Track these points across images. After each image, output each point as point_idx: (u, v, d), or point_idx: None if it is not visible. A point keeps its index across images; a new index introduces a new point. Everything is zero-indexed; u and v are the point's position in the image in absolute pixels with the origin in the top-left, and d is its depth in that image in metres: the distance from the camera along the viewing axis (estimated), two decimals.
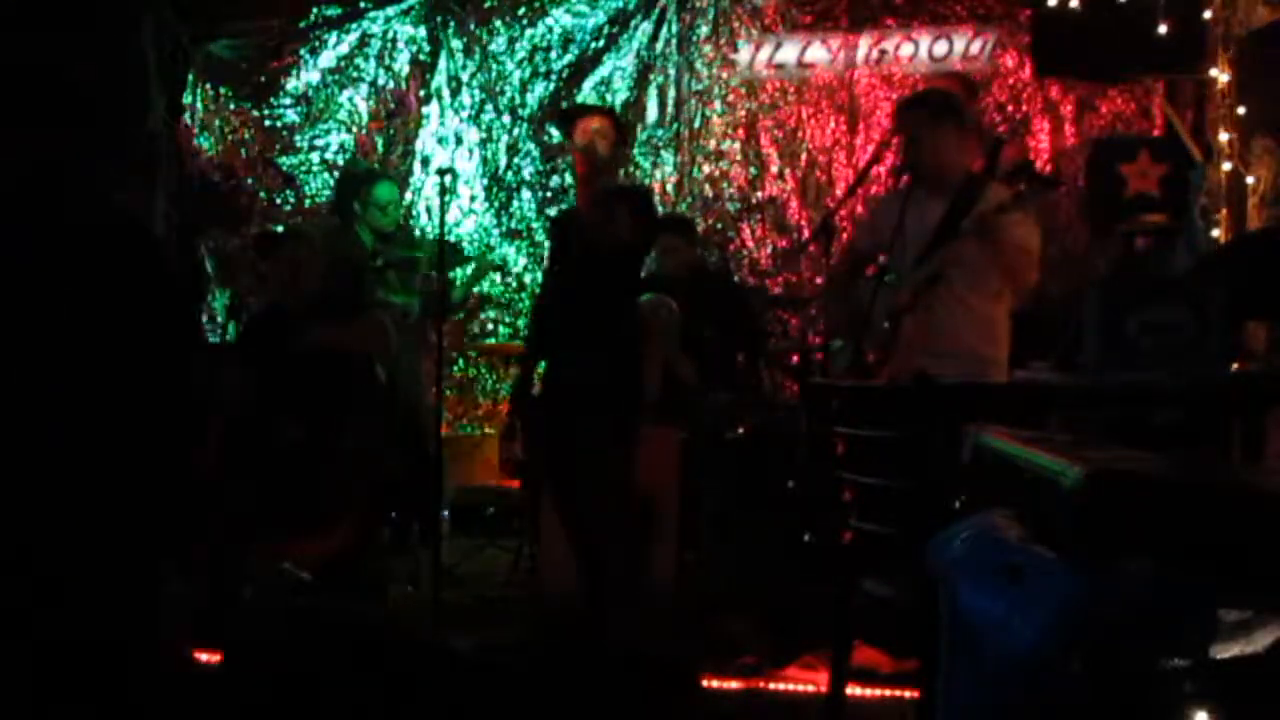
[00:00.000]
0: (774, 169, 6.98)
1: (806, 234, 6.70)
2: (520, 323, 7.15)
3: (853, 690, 3.27)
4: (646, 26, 7.14)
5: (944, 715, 2.02)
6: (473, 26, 7.27)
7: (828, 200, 6.72)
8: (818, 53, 6.87)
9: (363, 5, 7.23)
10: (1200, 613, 1.40)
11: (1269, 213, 5.01)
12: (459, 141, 7.31)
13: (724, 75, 7.03)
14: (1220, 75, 5.21)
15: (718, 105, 7.07)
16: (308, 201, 7.23)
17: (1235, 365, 4.01)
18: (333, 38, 7.25)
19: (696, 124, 7.10)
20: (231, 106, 7.23)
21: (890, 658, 3.57)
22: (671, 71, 7.13)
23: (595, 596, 4.06)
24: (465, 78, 7.30)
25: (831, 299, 4.27)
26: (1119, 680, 1.41)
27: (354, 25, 7.26)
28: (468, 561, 5.26)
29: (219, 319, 6.92)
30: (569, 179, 7.05)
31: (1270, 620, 1.39)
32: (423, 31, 7.30)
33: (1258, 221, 5.07)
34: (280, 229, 6.79)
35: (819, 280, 6.48)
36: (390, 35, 7.29)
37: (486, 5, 7.27)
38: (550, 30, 7.23)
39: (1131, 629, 1.41)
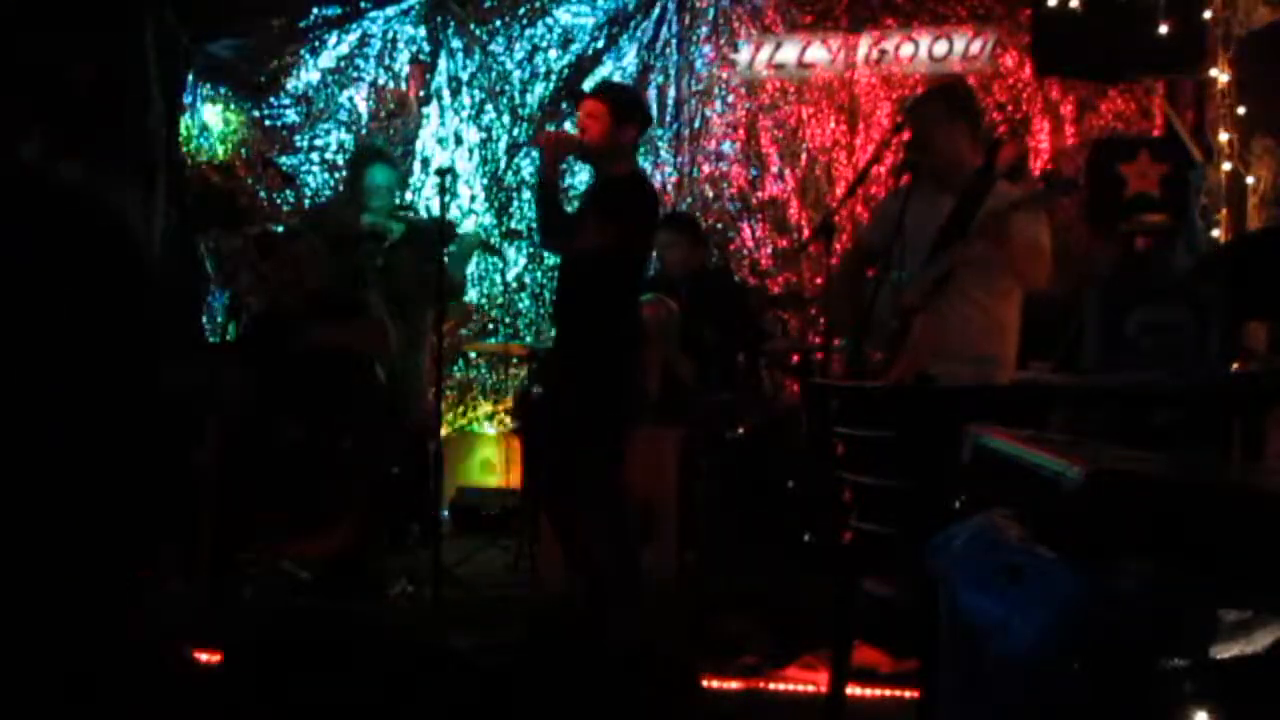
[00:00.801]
0: (774, 169, 6.98)
1: (806, 234, 6.70)
2: (520, 323, 7.16)
3: (853, 690, 3.26)
4: (646, 26, 7.15)
5: (944, 715, 2.02)
6: (473, 26, 7.28)
7: (828, 200, 6.72)
8: (818, 53, 6.88)
9: (363, 5, 7.23)
10: (1200, 613, 1.40)
11: (1269, 213, 5.01)
12: (459, 141, 7.31)
13: (724, 75, 7.04)
14: (1220, 75, 5.20)
15: (718, 105, 7.07)
16: (308, 201, 7.24)
17: (1235, 365, 4.01)
18: (333, 38, 7.25)
19: (696, 124, 7.10)
20: (231, 106, 7.23)
21: (890, 658, 3.56)
22: (671, 71, 7.14)
23: (589, 597, 4.06)
24: (465, 78, 7.30)
25: (834, 298, 4.26)
26: (1119, 680, 1.41)
27: (354, 25, 7.27)
28: (468, 561, 5.26)
29: (219, 319, 6.92)
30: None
31: (1270, 620, 1.39)
32: (423, 31, 7.31)
33: (1258, 221, 5.07)
34: (280, 229, 6.79)
35: (819, 280, 6.49)
36: (390, 35, 7.30)
37: (486, 5, 7.27)
38: (550, 30, 7.24)
39: (1131, 629, 1.41)
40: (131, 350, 2.36)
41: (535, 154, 7.17)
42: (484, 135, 7.31)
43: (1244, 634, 1.39)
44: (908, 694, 3.36)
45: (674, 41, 7.12)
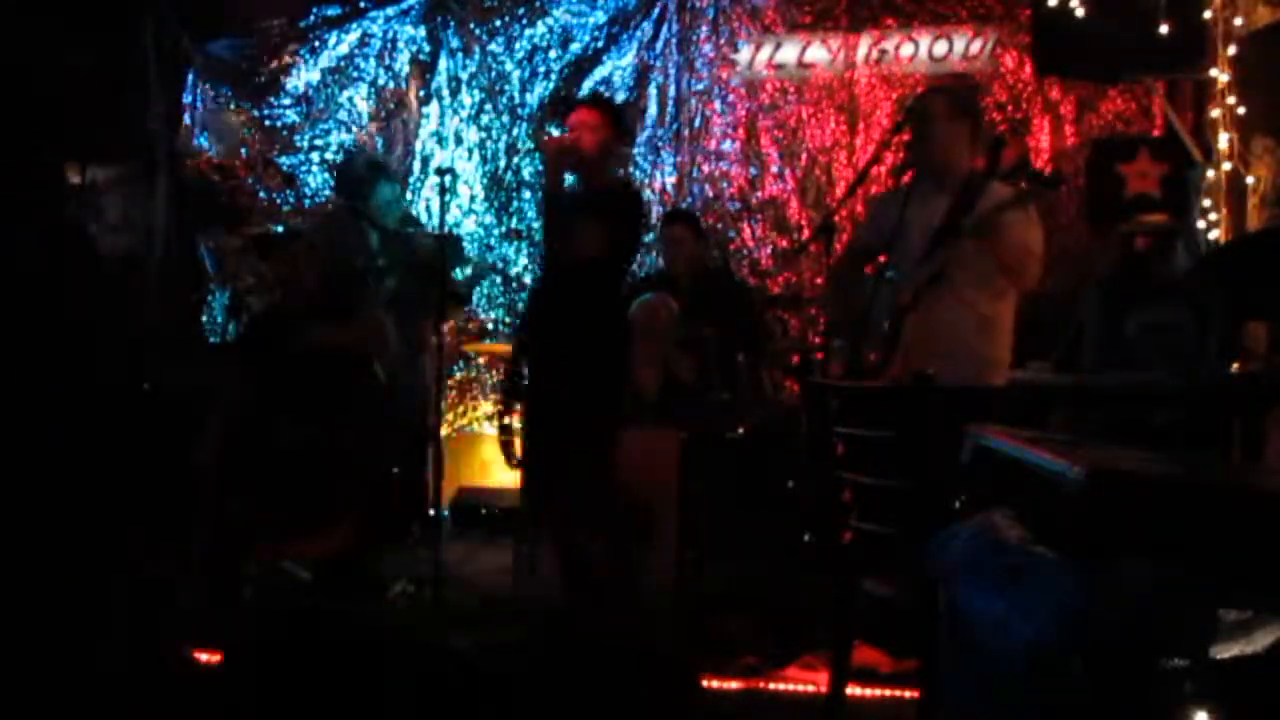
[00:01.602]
0: (774, 169, 6.98)
1: (806, 234, 6.70)
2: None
3: (853, 690, 3.26)
4: (646, 26, 7.15)
5: (944, 715, 2.02)
6: (473, 26, 7.28)
7: (828, 200, 6.72)
8: (818, 53, 6.88)
9: (363, 5, 7.23)
10: (1200, 613, 1.40)
11: (1269, 213, 5.01)
12: (459, 141, 7.31)
13: (724, 75, 7.04)
14: (1220, 75, 5.20)
15: (718, 105, 7.07)
16: (308, 201, 7.24)
17: (1235, 365, 4.00)
18: (333, 38, 7.25)
19: (696, 124, 7.10)
20: (231, 106, 7.23)
21: (890, 658, 3.56)
22: (671, 71, 7.13)
23: (579, 598, 4.07)
24: (465, 78, 7.30)
25: (831, 299, 4.27)
26: (1119, 680, 1.41)
27: (354, 25, 7.27)
28: (468, 561, 5.26)
29: (219, 319, 6.92)
30: (569, 178, 7.04)
31: (1270, 620, 1.39)
32: (423, 31, 7.31)
33: (1258, 221, 5.07)
34: (280, 229, 6.79)
35: (819, 280, 6.48)
36: (390, 35, 7.30)
37: (486, 5, 7.27)
38: (550, 30, 7.24)
39: (1131, 629, 1.41)
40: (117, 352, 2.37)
41: (535, 155, 7.24)
42: (484, 135, 7.31)
43: (1244, 634, 1.39)
44: (908, 694, 3.36)
45: (674, 41, 7.12)
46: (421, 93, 7.31)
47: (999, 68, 6.62)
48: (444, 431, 5.83)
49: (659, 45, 7.14)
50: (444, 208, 4.85)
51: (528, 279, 7.20)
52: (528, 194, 7.26)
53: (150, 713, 2.37)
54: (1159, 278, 4.85)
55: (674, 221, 5.88)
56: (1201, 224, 5.35)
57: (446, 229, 5.17)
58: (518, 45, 7.26)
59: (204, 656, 3.22)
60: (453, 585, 4.80)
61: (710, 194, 7.06)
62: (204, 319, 7.02)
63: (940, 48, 6.68)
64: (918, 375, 3.08)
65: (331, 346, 4.93)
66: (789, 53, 6.92)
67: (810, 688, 3.58)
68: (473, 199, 7.27)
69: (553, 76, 7.23)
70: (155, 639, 2.41)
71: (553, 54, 7.24)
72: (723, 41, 7.03)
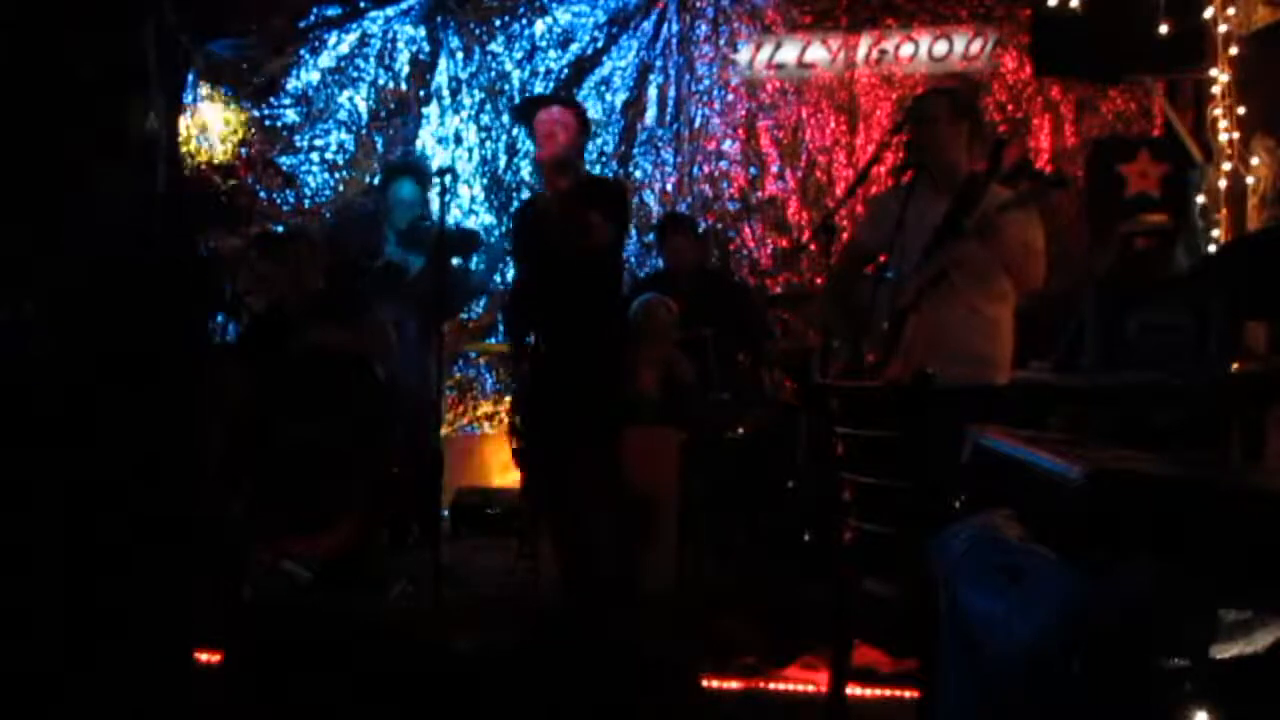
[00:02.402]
0: (774, 169, 6.98)
1: (806, 234, 6.71)
2: None
3: (853, 690, 3.27)
4: (646, 26, 7.15)
5: (944, 715, 2.02)
6: (473, 26, 7.28)
7: (828, 200, 6.72)
8: (818, 53, 6.88)
9: (363, 5, 7.23)
10: (1200, 613, 1.40)
11: (1269, 213, 5.01)
12: (459, 141, 7.31)
13: (724, 75, 7.04)
14: (1220, 75, 5.21)
15: (718, 105, 7.07)
16: (308, 201, 7.24)
17: (1235, 365, 4.00)
18: (333, 38, 7.25)
19: (696, 124, 7.10)
20: (231, 106, 7.23)
21: (890, 658, 3.57)
22: (671, 71, 7.14)
23: (582, 597, 4.07)
24: (465, 78, 7.31)
25: (831, 298, 4.26)
26: (1119, 680, 1.41)
27: (354, 25, 7.27)
28: (468, 561, 5.26)
29: (219, 319, 6.92)
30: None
31: (1270, 620, 1.39)
32: (423, 31, 7.31)
33: (1258, 221, 5.07)
34: (280, 229, 6.79)
35: (819, 280, 6.48)
36: (390, 35, 7.30)
37: (486, 5, 7.27)
38: (550, 30, 7.24)
39: (1131, 629, 1.41)
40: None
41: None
42: (484, 135, 7.31)
43: (1244, 634, 1.39)
44: (908, 694, 3.36)
45: (674, 41, 7.12)
46: (421, 93, 7.31)
47: (999, 68, 6.63)
48: (444, 431, 5.83)
49: (659, 45, 7.14)
50: (444, 208, 4.85)
51: None
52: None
53: (152, 712, 2.37)
54: (1159, 278, 4.85)
55: (672, 231, 5.88)
56: (1201, 224, 5.35)
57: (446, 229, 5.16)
58: (518, 45, 7.26)
59: (204, 656, 3.22)
60: (453, 585, 4.80)
61: (710, 194, 7.06)
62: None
63: (940, 48, 6.68)
64: (918, 375, 3.09)
65: (331, 346, 4.93)
66: (789, 53, 6.92)
67: (810, 688, 3.57)
68: (473, 199, 7.27)
69: (553, 77, 7.23)
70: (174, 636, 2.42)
71: (553, 54, 7.24)
72: (723, 41, 7.03)
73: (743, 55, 6.99)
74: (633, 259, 6.94)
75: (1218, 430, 3.57)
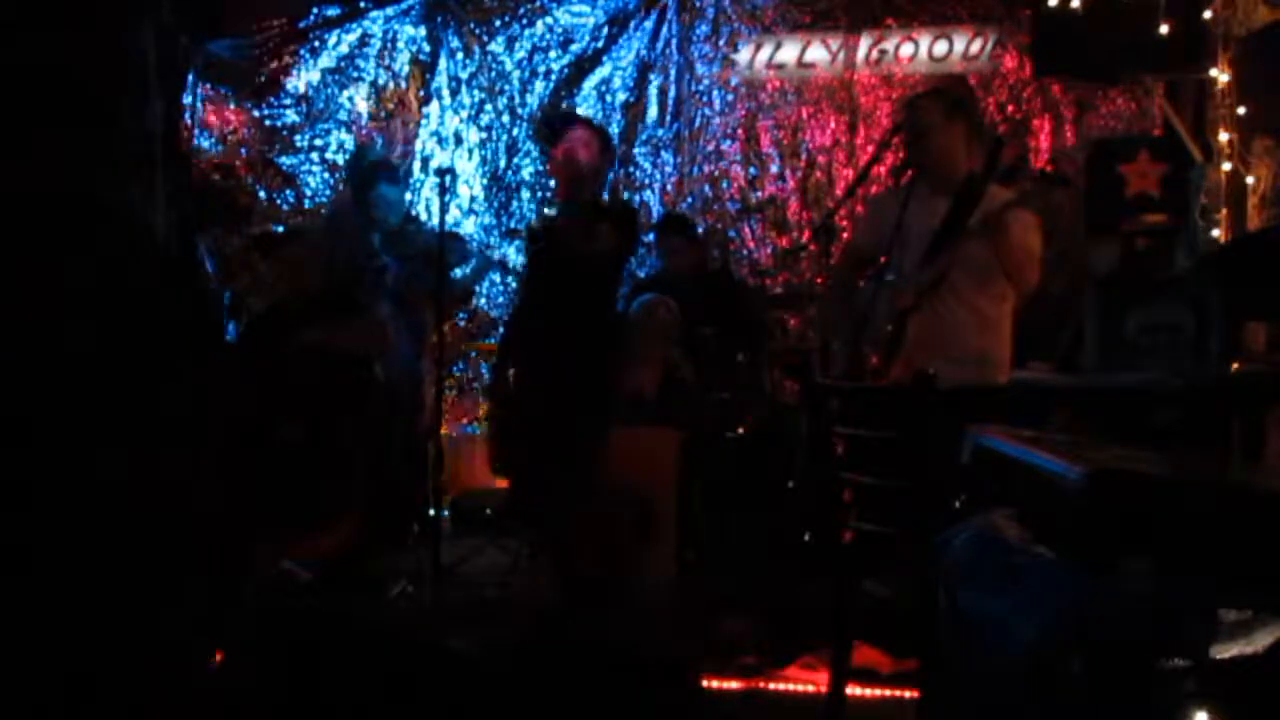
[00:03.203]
0: (774, 169, 6.99)
1: (806, 234, 6.71)
2: None
3: (853, 690, 3.26)
4: (646, 26, 7.15)
5: (944, 715, 2.02)
6: (473, 26, 7.28)
7: (828, 200, 6.73)
8: (818, 53, 6.88)
9: (363, 5, 7.24)
10: (1200, 613, 1.40)
11: (1269, 213, 5.02)
12: (459, 141, 7.31)
13: (724, 75, 7.04)
14: (1220, 75, 5.21)
15: (718, 105, 7.07)
16: (308, 201, 7.24)
17: (1235, 365, 4.00)
18: (333, 38, 7.25)
19: (696, 124, 7.10)
20: (231, 106, 7.23)
21: (890, 658, 3.56)
22: (671, 71, 7.14)
23: (578, 598, 4.08)
24: (465, 78, 7.31)
25: (830, 299, 4.26)
26: (1119, 680, 1.41)
27: (354, 25, 7.27)
28: (468, 561, 5.26)
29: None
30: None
31: (1270, 620, 1.39)
32: (423, 31, 7.31)
33: (1258, 221, 5.08)
34: (280, 229, 6.79)
35: (819, 280, 6.49)
36: (390, 35, 7.30)
37: (486, 5, 7.28)
38: (550, 30, 7.24)
39: (1131, 629, 1.41)
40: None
41: (535, 154, 7.25)
42: (484, 135, 7.31)
43: (1244, 634, 1.39)
44: (908, 694, 3.36)
45: (674, 41, 7.13)
46: (421, 93, 7.31)
47: (999, 68, 6.63)
48: (444, 431, 5.83)
49: (659, 45, 7.14)
50: (444, 208, 4.85)
51: None
52: (527, 194, 7.26)
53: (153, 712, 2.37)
54: (1159, 278, 4.85)
55: (672, 232, 5.89)
56: (1201, 224, 5.35)
57: (446, 229, 5.17)
58: (518, 45, 7.27)
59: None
60: (453, 585, 4.80)
61: (710, 194, 7.07)
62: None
63: (940, 48, 6.69)
64: (919, 375, 3.09)
65: (331, 346, 4.93)
66: (789, 53, 6.92)
67: (810, 688, 3.58)
68: (473, 199, 7.27)
69: (553, 76, 7.24)
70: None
71: (553, 54, 7.24)
72: (723, 41, 7.03)
73: (743, 55, 6.99)
74: (633, 259, 6.95)
75: (1218, 430, 3.57)
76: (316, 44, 7.24)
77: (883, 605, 3.23)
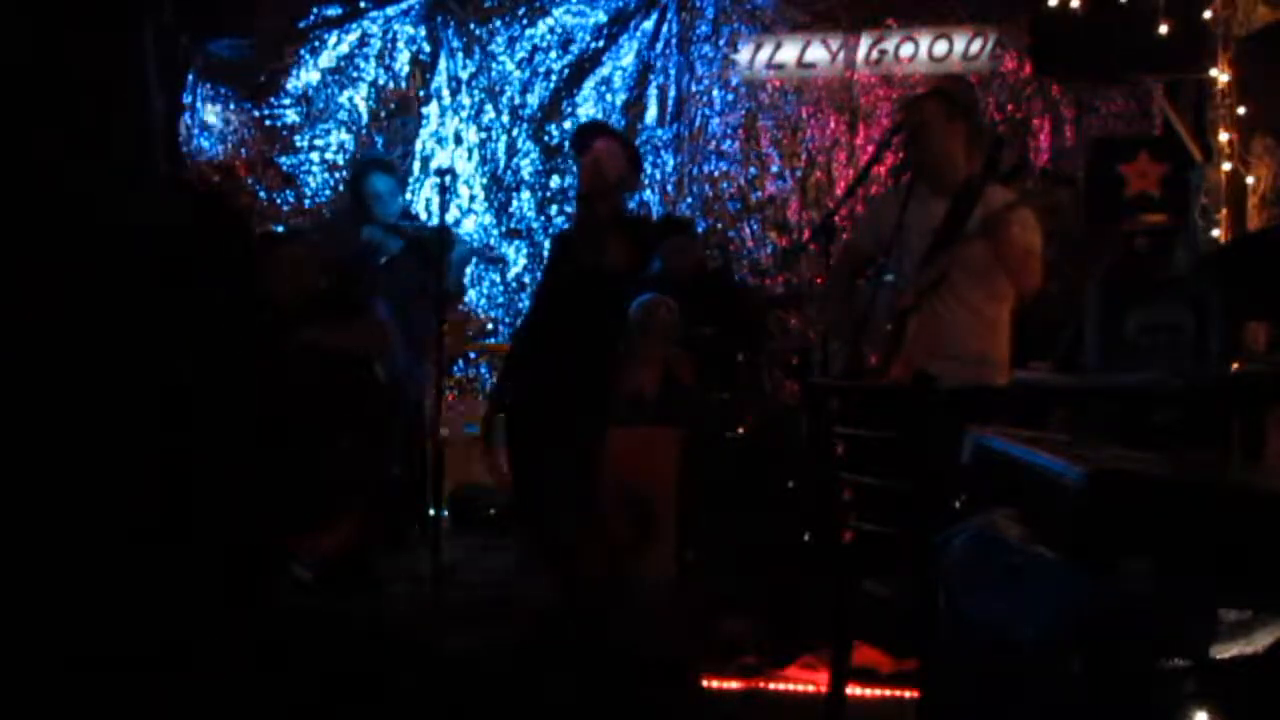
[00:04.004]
0: (774, 169, 6.98)
1: (806, 234, 6.70)
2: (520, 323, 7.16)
3: (853, 690, 3.26)
4: (646, 26, 7.15)
5: (944, 715, 2.02)
6: (473, 26, 7.28)
7: (828, 200, 6.72)
8: (818, 53, 6.88)
9: (363, 5, 7.24)
10: (1200, 613, 1.40)
11: (1269, 213, 5.02)
12: (459, 141, 7.31)
13: (724, 75, 7.04)
14: (1220, 75, 5.21)
15: (718, 105, 7.07)
16: (308, 201, 7.24)
17: (1235, 365, 4.00)
18: (333, 38, 7.26)
19: (696, 124, 7.10)
20: (231, 106, 7.23)
21: (890, 658, 3.56)
22: (671, 71, 7.14)
23: (578, 598, 4.08)
24: (465, 78, 7.31)
25: (831, 301, 4.27)
26: (1119, 680, 1.41)
27: (354, 25, 7.27)
28: (468, 561, 5.26)
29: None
30: (569, 179, 7.07)
31: (1270, 620, 1.39)
32: (423, 31, 7.31)
33: (1258, 221, 5.08)
34: (280, 229, 6.79)
35: (819, 280, 6.49)
36: (390, 35, 7.30)
37: (486, 5, 7.28)
38: (550, 30, 7.24)
39: (1131, 629, 1.41)
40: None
41: (535, 154, 7.25)
42: (484, 135, 7.31)
43: (1244, 634, 1.39)
44: (908, 694, 3.36)
45: (674, 41, 7.13)
46: (421, 93, 7.32)
47: (999, 68, 6.62)
48: (444, 431, 5.83)
49: (659, 45, 7.15)
50: (444, 208, 4.85)
51: (528, 279, 7.20)
52: (527, 194, 7.26)
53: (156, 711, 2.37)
54: (1159, 278, 4.85)
55: (671, 233, 5.89)
56: (1201, 224, 5.35)
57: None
58: (518, 45, 7.27)
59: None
60: (453, 585, 4.80)
61: (710, 194, 7.07)
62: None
63: (940, 48, 6.68)
64: (919, 375, 3.10)
65: (331, 346, 4.93)
66: (789, 53, 6.92)
67: (810, 688, 3.58)
68: (472, 199, 7.27)
69: (553, 77, 7.24)
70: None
71: (553, 54, 7.24)
72: (723, 41, 7.03)
73: (743, 55, 6.99)
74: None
75: (1218, 430, 3.56)
76: (316, 44, 7.24)
77: (883, 605, 3.23)
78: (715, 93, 7.08)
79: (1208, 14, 5.22)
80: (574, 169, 6.77)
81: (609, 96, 7.18)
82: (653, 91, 7.16)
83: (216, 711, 2.68)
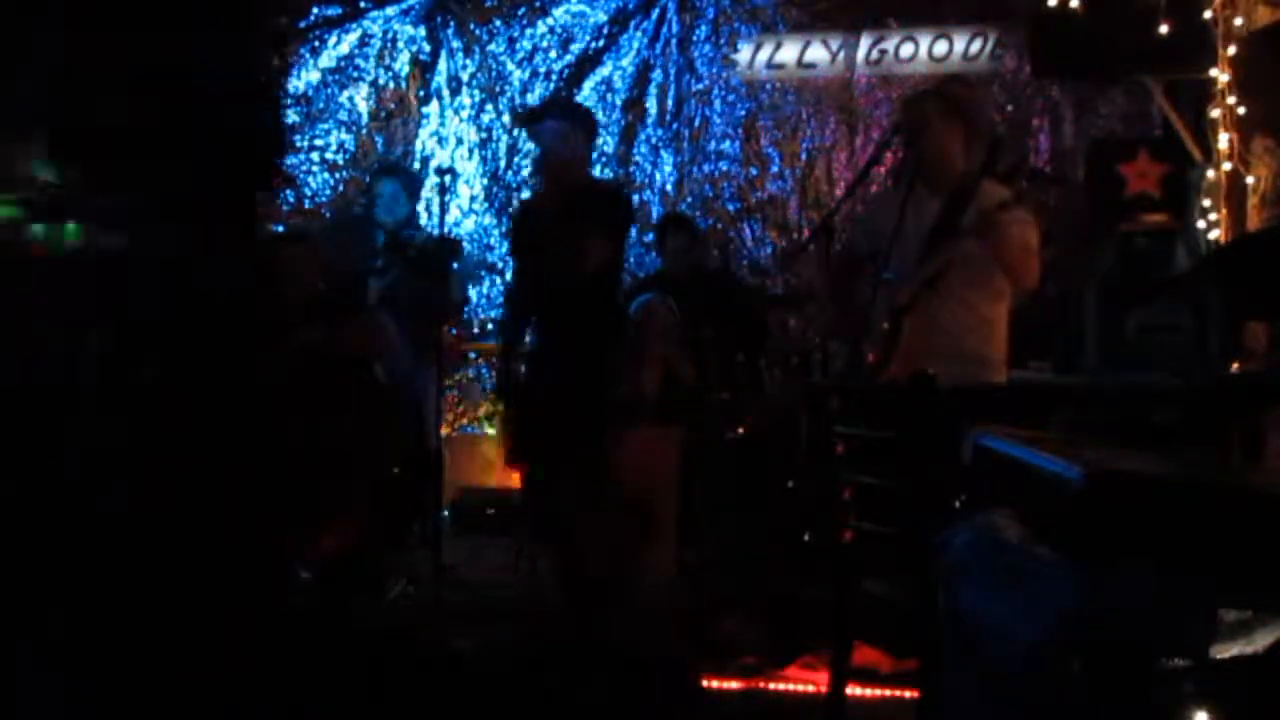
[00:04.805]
0: (774, 169, 6.99)
1: (806, 234, 6.71)
2: None
3: (853, 690, 3.26)
4: (647, 26, 7.15)
5: (944, 715, 2.02)
6: (473, 26, 7.28)
7: (828, 200, 6.73)
8: (818, 53, 6.88)
9: (363, 5, 7.24)
10: (1200, 613, 1.40)
11: (1269, 213, 5.01)
12: (459, 141, 7.31)
13: (724, 75, 7.04)
14: (1220, 75, 5.20)
15: (718, 105, 7.07)
16: (308, 202, 7.24)
17: (1235, 365, 4.01)
18: (333, 38, 7.26)
19: (696, 124, 7.10)
20: None
21: (890, 658, 3.56)
22: (671, 71, 7.14)
23: (578, 598, 4.08)
24: (465, 78, 7.31)
25: (830, 301, 4.26)
26: (1119, 680, 1.41)
27: (354, 25, 7.27)
28: (468, 561, 5.26)
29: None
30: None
31: (1270, 620, 1.39)
32: (423, 31, 7.31)
33: (1258, 221, 5.07)
34: (280, 229, 6.79)
35: (819, 280, 6.49)
36: (390, 35, 7.30)
37: (486, 5, 7.28)
38: (550, 30, 7.24)
39: (1131, 629, 1.41)
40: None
41: (534, 155, 7.24)
42: (484, 135, 7.31)
43: (1244, 634, 1.39)
44: (908, 694, 3.36)
45: (674, 41, 7.13)
46: (421, 93, 7.31)
47: (999, 68, 6.62)
48: (444, 431, 5.83)
49: (659, 45, 7.15)
50: (444, 208, 4.85)
51: None
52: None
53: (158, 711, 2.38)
54: (1159, 278, 4.85)
55: (672, 232, 5.89)
56: (1201, 224, 5.35)
57: (446, 229, 5.17)
58: (518, 45, 7.27)
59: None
60: (453, 585, 4.80)
61: (710, 194, 7.07)
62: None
63: (940, 48, 6.69)
64: (918, 375, 3.09)
65: (331, 346, 4.93)
66: (789, 53, 6.93)
67: (810, 688, 3.58)
68: (472, 199, 7.27)
69: (553, 77, 7.24)
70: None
71: (553, 54, 7.25)
72: (723, 41, 7.03)
73: (743, 55, 7.00)
74: (632, 259, 6.95)
75: (1218, 430, 3.56)
76: (316, 44, 7.24)
77: (883, 605, 3.23)
78: (715, 93, 7.08)
79: (1208, 14, 5.22)
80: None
81: (609, 96, 7.18)
82: (653, 91, 7.16)
83: (218, 711, 2.68)
